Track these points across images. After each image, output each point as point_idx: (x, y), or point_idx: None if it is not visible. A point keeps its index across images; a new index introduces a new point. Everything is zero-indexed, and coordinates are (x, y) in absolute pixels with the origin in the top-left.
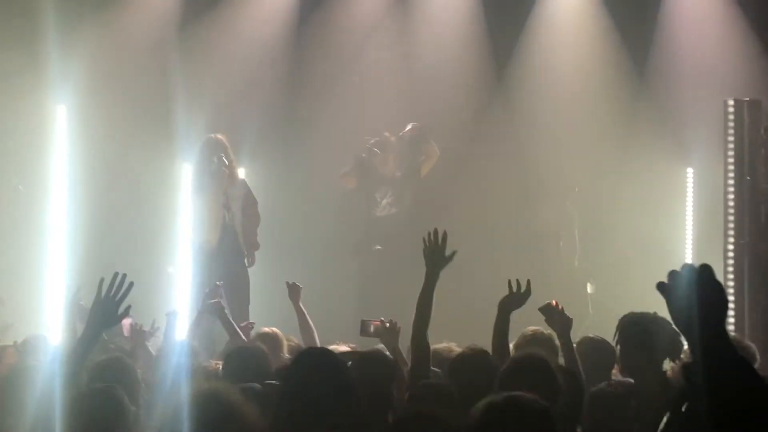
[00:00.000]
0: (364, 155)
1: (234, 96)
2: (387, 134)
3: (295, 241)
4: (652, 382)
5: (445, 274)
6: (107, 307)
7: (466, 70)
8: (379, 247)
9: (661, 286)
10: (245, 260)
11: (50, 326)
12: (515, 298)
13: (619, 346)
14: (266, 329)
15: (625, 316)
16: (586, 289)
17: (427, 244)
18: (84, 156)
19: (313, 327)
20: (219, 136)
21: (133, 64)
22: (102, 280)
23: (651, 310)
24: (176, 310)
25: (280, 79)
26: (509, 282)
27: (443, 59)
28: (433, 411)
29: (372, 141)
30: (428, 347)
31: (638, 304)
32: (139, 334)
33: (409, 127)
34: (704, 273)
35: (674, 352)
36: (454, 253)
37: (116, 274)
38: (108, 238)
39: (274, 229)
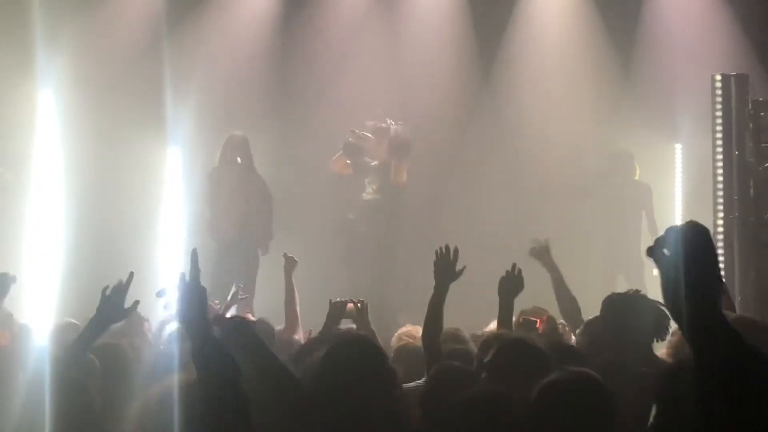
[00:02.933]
0: (350, 139)
1: (223, 84)
2: (390, 122)
3: (283, 228)
4: (636, 362)
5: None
6: (113, 303)
7: (452, 59)
8: (362, 230)
9: (650, 252)
10: (258, 250)
11: (38, 312)
12: (511, 282)
13: (602, 326)
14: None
15: (608, 296)
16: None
17: (439, 257)
18: (70, 142)
19: (298, 303)
20: (240, 133)
21: (120, 50)
22: (106, 287)
23: (636, 288)
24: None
25: (268, 70)
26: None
27: (430, 52)
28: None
29: (370, 124)
30: (441, 352)
31: (628, 280)
32: (138, 321)
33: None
34: (690, 233)
35: (660, 332)
36: (463, 268)
37: (126, 279)
38: (96, 224)
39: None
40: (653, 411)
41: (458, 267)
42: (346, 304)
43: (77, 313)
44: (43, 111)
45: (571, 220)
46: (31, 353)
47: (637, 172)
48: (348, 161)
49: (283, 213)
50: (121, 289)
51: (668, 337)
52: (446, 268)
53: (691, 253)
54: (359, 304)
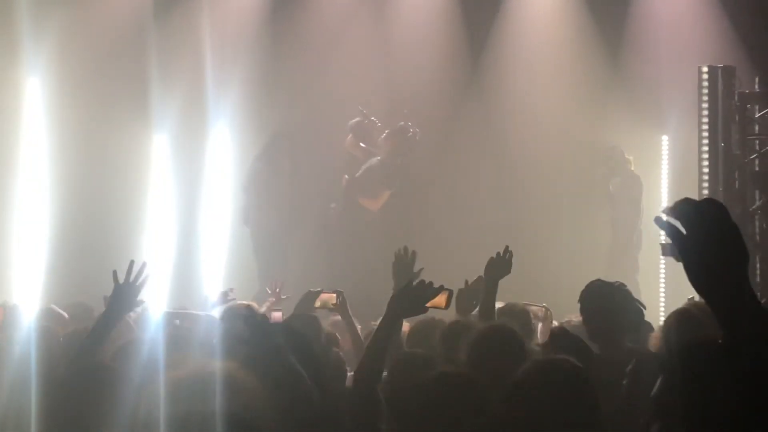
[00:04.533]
0: (357, 118)
1: (210, 74)
2: (409, 124)
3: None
4: (613, 351)
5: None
6: (127, 293)
7: (442, 51)
8: (333, 205)
9: (662, 224)
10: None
11: (23, 299)
12: (498, 264)
13: (582, 313)
14: (244, 302)
15: (590, 284)
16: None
17: (397, 258)
18: (58, 129)
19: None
20: (285, 134)
21: (108, 39)
22: (115, 272)
23: (617, 280)
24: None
25: (255, 60)
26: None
27: (419, 47)
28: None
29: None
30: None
31: (613, 270)
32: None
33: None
34: (712, 212)
35: (636, 326)
36: (421, 270)
37: (132, 262)
38: (83, 210)
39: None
40: (658, 382)
41: (417, 269)
42: (319, 294)
43: (64, 296)
44: (30, 99)
45: (572, 216)
46: (19, 336)
47: (632, 163)
48: (359, 143)
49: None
50: (134, 277)
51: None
52: (405, 269)
53: (718, 234)
54: (338, 295)
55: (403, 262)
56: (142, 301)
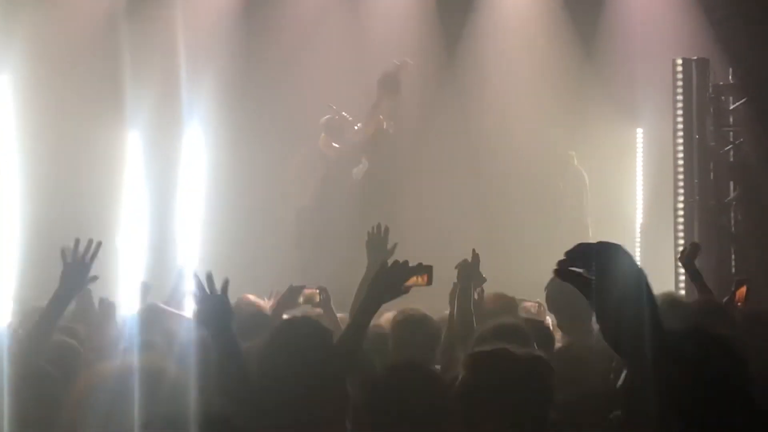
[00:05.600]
0: (328, 116)
1: (184, 70)
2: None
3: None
4: (583, 339)
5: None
6: (77, 270)
7: (417, 52)
8: (324, 215)
9: (567, 276)
10: None
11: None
12: (468, 267)
13: (547, 302)
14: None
15: (553, 279)
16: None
17: (371, 236)
18: (29, 130)
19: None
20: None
21: (80, 37)
22: (63, 249)
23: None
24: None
25: (229, 56)
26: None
27: (394, 42)
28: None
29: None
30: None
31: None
32: (109, 307)
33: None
34: (617, 256)
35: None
36: (395, 246)
37: (77, 240)
38: (56, 211)
39: (229, 209)
40: (624, 373)
41: (390, 245)
42: (302, 289)
43: (37, 296)
44: (0, 97)
45: (537, 212)
46: None
47: (575, 158)
48: (332, 142)
49: (243, 203)
50: (87, 254)
51: None
52: (378, 246)
53: (625, 279)
54: (321, 292)
55: (376, 239)
56: (95, 277)
